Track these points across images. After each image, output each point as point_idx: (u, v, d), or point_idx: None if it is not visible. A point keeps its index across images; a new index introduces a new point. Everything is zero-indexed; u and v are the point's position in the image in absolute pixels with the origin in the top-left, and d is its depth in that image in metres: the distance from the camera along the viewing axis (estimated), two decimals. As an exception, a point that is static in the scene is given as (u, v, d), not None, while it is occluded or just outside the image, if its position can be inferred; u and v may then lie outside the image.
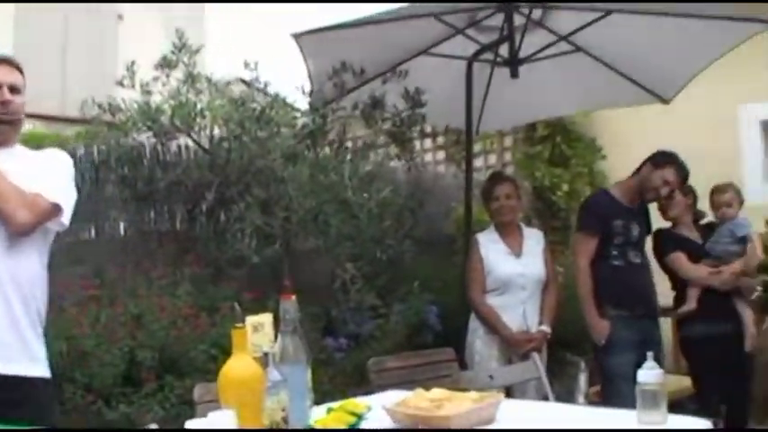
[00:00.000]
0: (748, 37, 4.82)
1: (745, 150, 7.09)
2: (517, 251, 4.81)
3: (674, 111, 5.80)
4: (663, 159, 4.66)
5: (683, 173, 4.66)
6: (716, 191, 4.80)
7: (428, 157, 8.72)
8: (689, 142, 5.29)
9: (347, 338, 5.24)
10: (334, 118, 5.26)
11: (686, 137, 5.90)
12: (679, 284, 4.77)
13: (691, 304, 4.64)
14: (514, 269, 4.73)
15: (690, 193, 4.83)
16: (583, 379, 5.88)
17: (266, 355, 2.28)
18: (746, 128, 7.09)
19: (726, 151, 6.88)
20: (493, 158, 8.51)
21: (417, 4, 4.74)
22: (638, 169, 4.77)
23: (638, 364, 2.51)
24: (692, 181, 4.75)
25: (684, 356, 4.90)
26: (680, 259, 4.70)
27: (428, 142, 8.86)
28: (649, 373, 2.45)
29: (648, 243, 4.87)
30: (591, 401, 5.55)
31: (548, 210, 7.68)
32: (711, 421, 2.54)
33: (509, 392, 4.22)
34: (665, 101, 5.67)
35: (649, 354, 2.51)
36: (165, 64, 5.24)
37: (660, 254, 4.81)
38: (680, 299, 4.75)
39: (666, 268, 4.80)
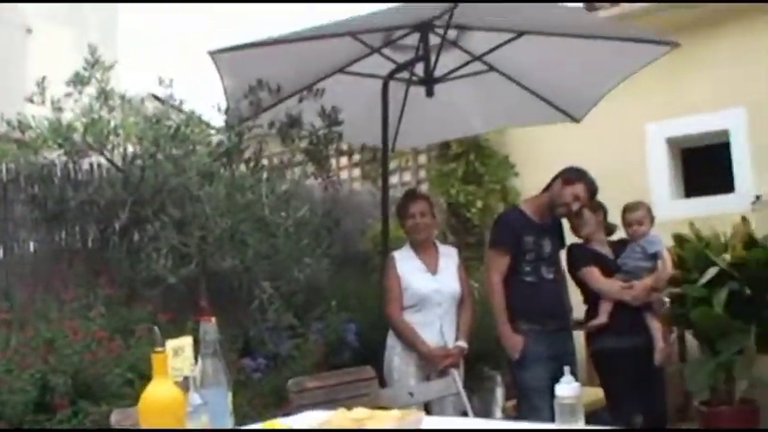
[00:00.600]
0: (655, 58, 4.99)
1: (652, 167, 7.28)
2: (433, 268, 4.86)
3: (585, 129, 5.94)
4: (573, 176, 4.76)
5: (592, 188, 4.78)
6: (628, 209, 4.92)
7: (344, 174, 8.73)
8: (598, 159, 5.44)
9: (265, 359, 5.18)
10: (251, 136, 5.21)
11: (595, 154, 6.06)
12: (591, 298, 4.88)
13: (602, 318, 4.75)
14: (431, 286, 4.78)
15: (600, 209, 4.94)
16: (499, 393, 5.95)
17: (186, 378, 2.26)
18: (653, 145, 7.29)
19: (633, 168, 7.09)
20: (408, 175, 8.57)
21: (334, 22, 4.76)
22: (549, 185, 4.87)
23: (553, 378, 2.56)
24: (601, 197, 4.87)
25: (596, 369, 5.00)
26: (593, 274, 4.81)
27: (344, 160, 8.89)
28: (566, 387, 2.48)
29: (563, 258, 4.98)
30: (507, 415, 5.62)
31: (462, 226, 7.77)
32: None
33: (427, 409, 4.25)
34: (575, 119, 5.80)
35: (566, 368, 2.56)
36: (78, 80, 5.11)
37: (573, 268, 4.91)
38: (591, 312, 4.86)
39: (579, 282, 4.91)
